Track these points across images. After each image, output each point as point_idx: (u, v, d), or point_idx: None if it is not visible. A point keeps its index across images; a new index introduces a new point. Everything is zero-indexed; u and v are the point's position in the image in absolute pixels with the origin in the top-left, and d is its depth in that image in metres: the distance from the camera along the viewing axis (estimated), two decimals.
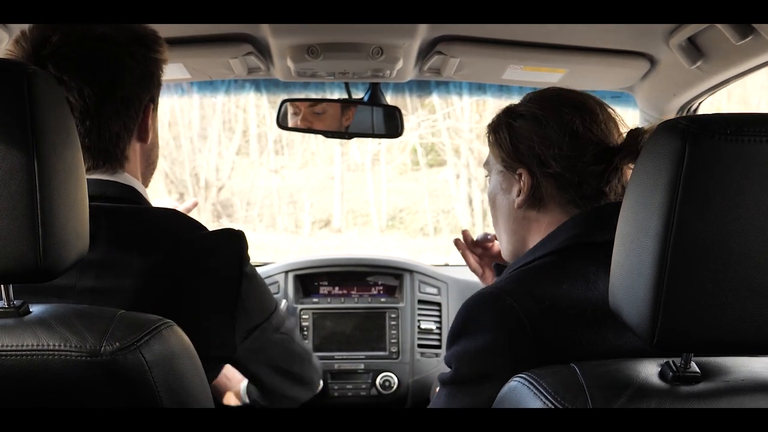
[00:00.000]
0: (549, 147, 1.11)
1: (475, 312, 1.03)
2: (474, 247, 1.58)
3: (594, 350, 0.96)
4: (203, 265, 1.07)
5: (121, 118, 1.10)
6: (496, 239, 1.54)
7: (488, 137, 1.22)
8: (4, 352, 0.78)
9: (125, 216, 1.07)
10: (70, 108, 0.98)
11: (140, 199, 1.13)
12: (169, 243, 1.06)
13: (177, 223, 1.11)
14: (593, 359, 0.91)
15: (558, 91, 1.18)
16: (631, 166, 1.10)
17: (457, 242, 1.59)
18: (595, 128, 1.12)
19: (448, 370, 1.11)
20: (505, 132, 1.17)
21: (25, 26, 1.10)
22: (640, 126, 1.13)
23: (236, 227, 1.14)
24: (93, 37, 1.07)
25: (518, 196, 1.16)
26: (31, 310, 0.84)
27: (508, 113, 1.19)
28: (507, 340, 0.99)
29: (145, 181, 1.23)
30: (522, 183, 1.15)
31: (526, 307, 0.98)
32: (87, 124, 1.07)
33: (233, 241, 1.11)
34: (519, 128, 1.15)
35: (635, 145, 1.07)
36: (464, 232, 1.59)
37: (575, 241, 1.07)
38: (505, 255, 1.25)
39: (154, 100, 1.17)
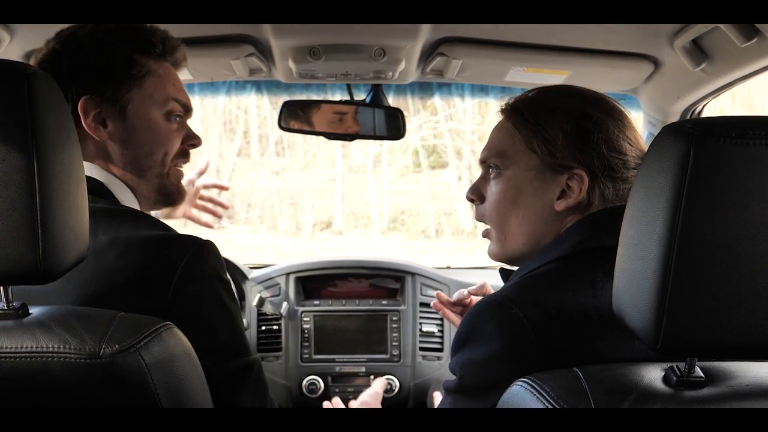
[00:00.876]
0: (613, 150, 1.08)
1: (480, 320, 1.01)
2: (454, 307, 1.57)
3: (601, 358, 0.94)
4: (137, 271, 1.02)
5: None
6: (472, 295, 1.54)
7: (517, 129, 1.14)
8: (3, 354, 0.78)
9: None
10: None
11: (106, 194, 1.14)
12: (118, 245, 1.03)
13: (131, 223, 1.08)
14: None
15: (605, 98, 1.15)
16: None
17: (435, 305, 1.58)
18: (640, 139, 1.12)
19: (450, 376, 1.09)
20: (556, 128, 1.10)
21: (27, 29, 1.11)
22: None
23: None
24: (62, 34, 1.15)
25: (560, 198, 1.10)
26: (30, 311, 0.84)
27: (541, 106, 1.13)
28: (512, 349, 0.97)
29: (134, 182, 1.21)
30: (576, 184, 1.08)
31: (531, 315, 0.96)
32: None
33: (183, 250, 1.05)
34: (578, 127, 1.09)
35: None
36: (438, 294, 1.58)
37: (580, 248, 1.05)
38: (512, 256, 1.19)
39: (95, 92, 1.15)
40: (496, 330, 0.98)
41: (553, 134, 1.09)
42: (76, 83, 1.13)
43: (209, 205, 1.86)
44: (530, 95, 1.16)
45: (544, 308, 0.97)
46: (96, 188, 1.13)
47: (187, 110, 1.26)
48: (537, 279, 1.05)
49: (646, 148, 1.09)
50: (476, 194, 1.21)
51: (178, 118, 1.23)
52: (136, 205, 1.21)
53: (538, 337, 0.95)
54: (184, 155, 1.26)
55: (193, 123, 1.29)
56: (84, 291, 1.00)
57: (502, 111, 1.18)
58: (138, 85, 1.17)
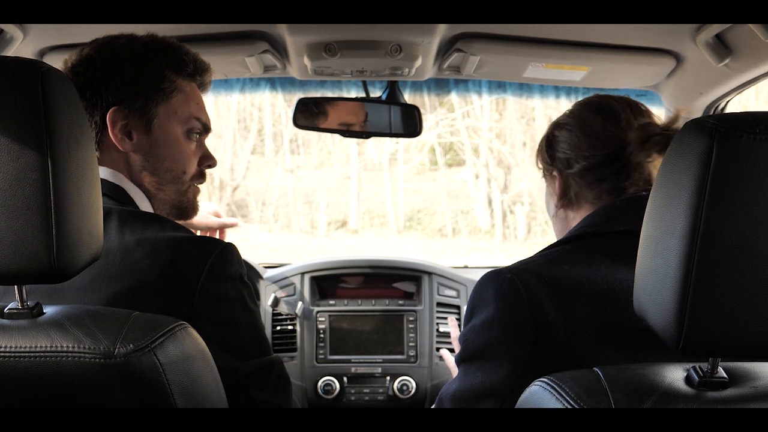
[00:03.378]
0: (572, 149, 1.21)
1: (482, 290, 1.12)
2: None
3: (591, 324, 1.02)
4: (165, 269, 1.04)
5: (91, 118, 1.16)
6: None
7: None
8: (17, 354, 0.77)
9: None
10: None
11: (127, 201, 1.17)
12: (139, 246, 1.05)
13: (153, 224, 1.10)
14: (590, 333, 1.00)
15: (590, 99, 1.27)
16: (649, 159, 1.17)
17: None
18: (614, 127, 1.19)
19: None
20: (544, 141, 1.29)
21: (39, 27, 1.11)
22: None
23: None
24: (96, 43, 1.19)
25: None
26: (44, 311, 0.84)
27: (552, 126, 1.29)
28: (504, 309, 1.07)
29: (151, 193, 1.23)
30: (556, 184, 1.26)
31: (525, 281, 1.07)
32: None
33: (209, 250, 1.07)
34: (555, 136, 1.26)
35: (644, 137, 1.14)
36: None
37: (584, 231, 1.14)
38: None
39: (125, 103, 1.17)
40: (493, 294, 1.09)
41: (542, 145, 1.29)
42: (108, 92, 1.17)
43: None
44: None
45: (538, 276, 1.07)
46: (119, 195, 1.17)
47: (206, 129, 1.30)
48: (537, 257, 1.15)
49: (620, 139, 1.18)
50: None
51: (197, 136, 1.27)
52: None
53: (531, 300, 1.05)
54: (201, 176, 1.30)
55: None
56: (111, 288, 1.02)
57: None
58: (165, 101, 1.20)
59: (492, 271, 1.12)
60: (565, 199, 1.25)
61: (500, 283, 1.08)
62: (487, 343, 1.09)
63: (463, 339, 1.15)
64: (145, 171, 1.21)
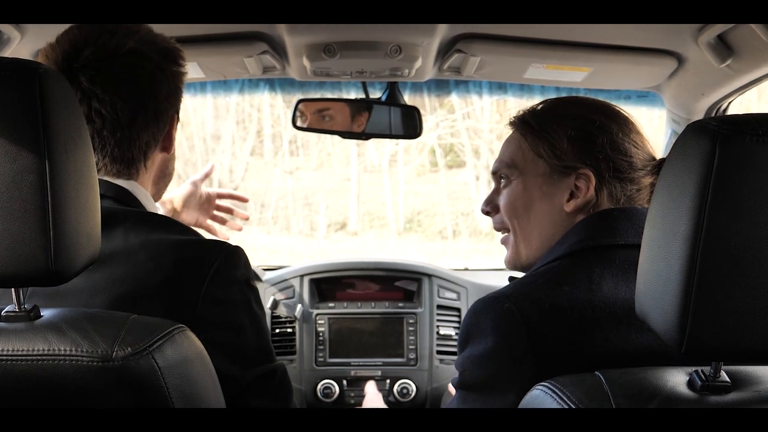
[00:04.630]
0: (618, 152, 1.13)
1: (478, 318, 1.06)
2: None
3: (595, 352, 0.98)
4: (169, 272, 1.03)
5: (150, 130, 1.14)
6: None
7: (524, 137, 1.20)
8: (15, 357, 0.77)
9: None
10: (102, 119, 1.06)
11: (133, 202, 1.14)
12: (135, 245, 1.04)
13: (158, 225, 1.10)
14: (594, 360, 0.95)
15: (599, 101, 1.20)
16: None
17: None
18: (647, 143, 1.17)
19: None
20: (560, 131, 1.15)
21: (37, 27, 1.10)
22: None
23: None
24: (124, 52, 1.10)
25: (569, 199, 1.14)
26: (42, 314, 0.83)
27: (546, 115, 1.19)
28: (504, 342, 1.01)
29: (159, 192, 1.25)
30: (583, 184, 1.13)
31: (524, 309, 1.01)
32: (118, 136, 1.10)
33: (214, 254, 1.06)
34: (582, 131, 1.14)
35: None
36: None
37: (580, 246, 1.09)
38: (526, 261, 1.22)
39: (178, 112, 1.20)
40: (491, 325, 1.03)
41: (558, 138, 1.15)
42: (173, 105, 1.18)
43: (227, 217, 1.85)
44: (537, 107, 1.22)
45: (537, 303, 1.01)
46: (124, 196, 1.14)
47: None
48: (535, 277, 1.09)
49: (653, 150, 1.17)
50: (491, 206, 1.27)
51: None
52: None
53: (530, 330, 1.00)
54: None
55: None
56: (115, 291, 1.00)
57: (511, 123, 1.24)
58: (182, 99, 1.22)
59: (489, 297, 1.06)
60: (591, 204, 1.13)
61: (498, 314, 1.03)
62: (486, 377, 1.05)
63: (460, 367, 1.10)
64: (166, 174, 1.24)
